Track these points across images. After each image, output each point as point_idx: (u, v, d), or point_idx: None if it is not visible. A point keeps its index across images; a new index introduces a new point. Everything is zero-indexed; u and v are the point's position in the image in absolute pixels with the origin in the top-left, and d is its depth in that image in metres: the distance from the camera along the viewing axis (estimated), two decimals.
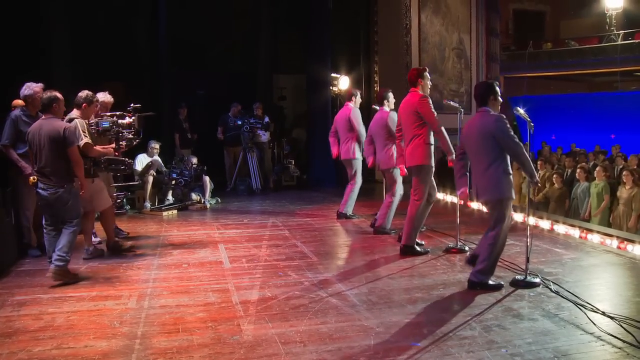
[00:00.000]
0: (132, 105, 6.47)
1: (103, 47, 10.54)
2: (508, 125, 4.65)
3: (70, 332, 3.97)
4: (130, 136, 6.33)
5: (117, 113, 6.34)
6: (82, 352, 3.63)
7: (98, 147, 5.83)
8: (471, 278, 4.82)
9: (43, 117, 5.25)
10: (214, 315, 4.26)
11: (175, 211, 8.85)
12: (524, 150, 4.67)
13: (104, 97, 6.55)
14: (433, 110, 5.81)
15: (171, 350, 3.63)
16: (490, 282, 4.81)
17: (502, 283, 4.87)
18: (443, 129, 5.85)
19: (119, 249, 6.28)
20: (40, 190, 5.13)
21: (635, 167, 9.48)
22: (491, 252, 4.75)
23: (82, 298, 4.70)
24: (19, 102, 6.61)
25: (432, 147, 5.96)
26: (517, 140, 4.64)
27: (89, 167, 5.71)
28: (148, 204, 8.98)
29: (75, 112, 5.78)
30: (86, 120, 5.89)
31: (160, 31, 11.36)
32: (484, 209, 5.05)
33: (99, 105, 6.23)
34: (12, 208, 6.13)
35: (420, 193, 5.95)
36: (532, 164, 4.75)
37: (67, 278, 5.08)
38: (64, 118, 5.57)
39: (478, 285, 4.77)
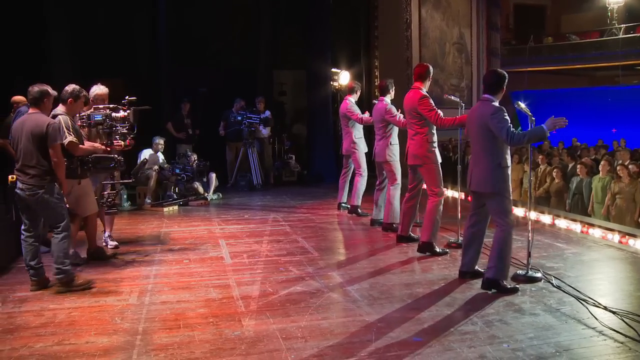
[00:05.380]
0: (127, 98, 6.06)
1: (103, 43, 10.54)
2: (506, 118, 4.52)
3: (72, 328, 3.97)
4: (125, 131, 5.95)
5: (111, 106, 5.96)
6: (84, 348, 3.62)
7: (86, 145, 5.48)
8: (487, 276, 4.68)
9: (29, 111, 4.88)
10: (215, 311, 4.26)
11: (176, 207, 8.85)
12: (521, 136, 4.47)
13: (97, 89, 6.10)
14: (433, 107, 5.76)
15: (172, 346, 3.63)
16: (505, 283, 4.65)
17: (518, 287, 4.68)
18: (441, 114, 5.74)
19: (101, 256, 5.84)
20: (18, 191, 4.75)
21: (627, 161, 9.46)
22: (500, 252, 4.61)
23: (83, 294, 4.70)
24: (19, 98, 6.60)
25: (436, 144, 5.93)
26: (512, 131, 4.46)
27: (76, 167, 5.36)
28: (149, 200, 9.01)
29: (60, 108, 5.32)
30: (77, 115, 5.61)
31: (160, 27, 11.34)
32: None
33: (85, 100, 5.67)
34: (12, 204, 6.10)
35: (435, 188, 5.87)
36: (530, 133, 4.54)
37: (75, 287, 4.79)
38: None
39: (493, 286, 4.62)
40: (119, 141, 5.89)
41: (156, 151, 9.37)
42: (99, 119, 5.81)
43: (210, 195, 9.61)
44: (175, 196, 9.17)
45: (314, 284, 4.90)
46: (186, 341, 3.71)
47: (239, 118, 10.77)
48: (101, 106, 5.92)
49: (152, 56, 11.56)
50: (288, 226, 7.36)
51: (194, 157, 9.65)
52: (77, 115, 5.63)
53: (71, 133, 5.17)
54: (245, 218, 8.03)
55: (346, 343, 3.66)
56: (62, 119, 5.16)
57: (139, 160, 9.32)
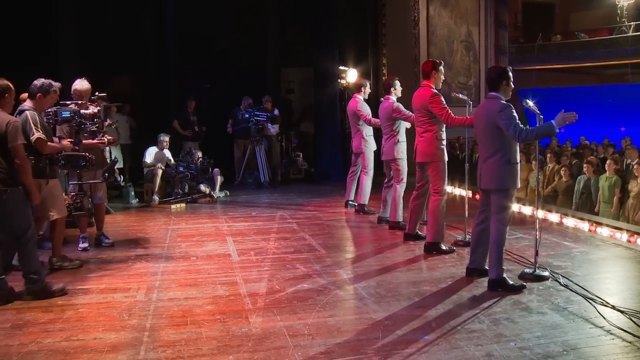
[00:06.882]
0: (97, 94, 5.80)
1: (110, 40, 10.57)
2: (514, 115, 4.50)
3: (80, 324, 4.00)
4: (94, 128, 5.60)
5: (79, 102, 5.60)
6: (91, 344, 3.64)
7: (55, 143, 5.20)
8: (490, 277, 4.66)
9: None
10: (222, 308, 4.27)
11: (183, 204, 8.87)
12: (529, 132, 4.44)
13: (78, 84, 5.83)
14: (444, 105, 5.73)
15: (179, 343, 3.64)
16: (510, 281, 4.64)
17: (525, 285, 4.66)
18: (452, 113, 5.71)
19: (52, 267, 5.35)
20: None
21: (636, 159, 9.38)
22: (499, 251, 4.61)
23: (91, 291, 4.73)
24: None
25: (445, 142, 5.92)
26: (520, 127, 4.44)
27: (44, 166, 5.02)
28: (156, 197, 9.03)
29: (27, 103, 5.03)
30: (52, 109, 5.37)
31: (168, 25, 11.37)
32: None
33: (57, 95, 5.35)
34: None
35: (439, 187, 5.87)
36: (539, 129, 4.54)
37: (47, 296, 4.50)
38: (15, 109, 4.91)
39: (498, 286, 4.59)
40: (89, 138, 5.57)
41: (161, 149, 9.37)
42: (67, 115, 5.45)
43: (217, 193, 9.62)
44: (181, 193, 9.19)
45: (321, 281, 4.91)
46: (193, 338, 3.73)
47: (247, 115, 10.79)
48: (69, 102, 5.57)
49: (159, 54, 11.59)
50: (295, 224, 7.37)
51: (199, 154, 9.63)
52: (43, 111, 5.31)
53: (39, 130, 4.89)
54: (253, 215, 8.04)
55: (353, 340, 3.66)
56: (30, 114, 4.90)
57: (144, 159, 9.35)
